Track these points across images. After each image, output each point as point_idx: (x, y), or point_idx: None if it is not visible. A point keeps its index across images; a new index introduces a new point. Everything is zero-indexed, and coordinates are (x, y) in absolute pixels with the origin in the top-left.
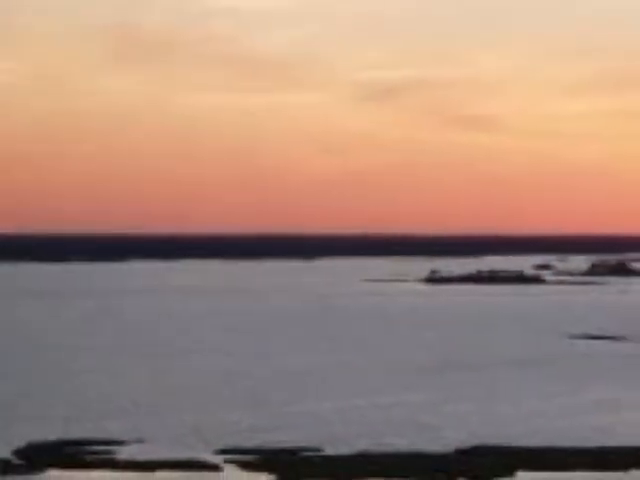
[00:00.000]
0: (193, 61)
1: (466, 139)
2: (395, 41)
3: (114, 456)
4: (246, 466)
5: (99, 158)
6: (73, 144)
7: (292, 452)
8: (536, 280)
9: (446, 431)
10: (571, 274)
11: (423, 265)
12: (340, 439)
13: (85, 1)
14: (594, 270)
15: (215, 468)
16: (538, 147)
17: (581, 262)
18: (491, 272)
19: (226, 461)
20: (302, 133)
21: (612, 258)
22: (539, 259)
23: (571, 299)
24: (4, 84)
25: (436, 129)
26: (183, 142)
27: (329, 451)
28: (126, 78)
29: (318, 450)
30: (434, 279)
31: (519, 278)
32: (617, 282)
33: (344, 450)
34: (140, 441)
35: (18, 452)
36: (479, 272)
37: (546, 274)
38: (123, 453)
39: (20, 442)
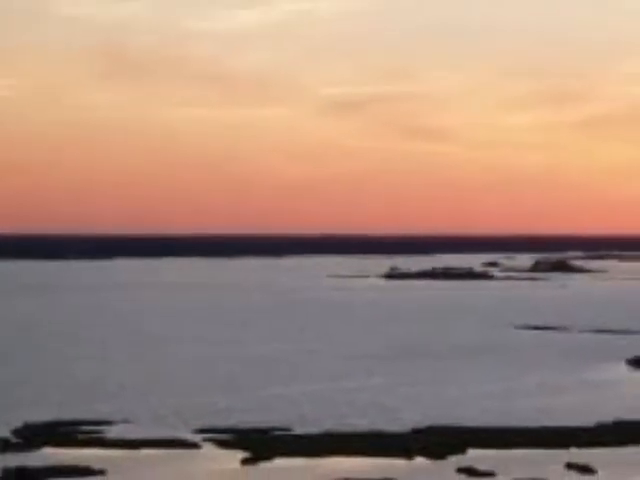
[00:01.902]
0: (174, 79)
1: (421, 148)
2: (358, 60)
3: (103, 435)
4: (222, 444)
5: (90, 165)
6: (67, 153)
7: (264, 431)
8: (485, 276)
9: (403, 412)
10: (516, 270)
11: (383, 262)
12: (307, 420)
13: (78, 24)
14: (537, 267)
15: (194, 446)
16: (486, 156)
17: (525, 260)
18: (444, 269)
19: (204, 439)
20: (273, 143)
21: (553, 256)
22: (487, 257)
23: (516, 293)
24: (5, 98)
25: (394, 139)
26: (166, 152)
27: (297, 430)
28: (114, 94)
29: (287, 429)
30: (393, 275)
31: (469, 274)
32: (558, 278)
33: (311, 430)
34: (126, 421)
35: (16, 432)
36: (434, 269)
37: (494, 271)
38: (111, 432)
39: (18, 423)
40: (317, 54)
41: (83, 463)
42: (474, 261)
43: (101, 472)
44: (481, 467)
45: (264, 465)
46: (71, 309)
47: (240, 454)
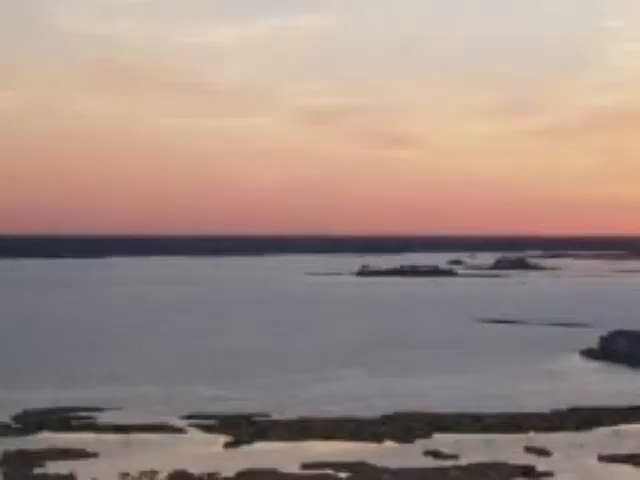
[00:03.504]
0: (159, 90)
1: (391, 155)
2: (330, 72)
3: (96, 420)
4: (207, 429)
5: (83, 169)
6: (62, 158)
7: (246, 417)
8: (450, 273)
9: (374, 400)
10: (479, 268)
11: (355, 261)
12: (285, 407)
13: (70, 41)
14: (498, 265)
15: (181, 430)
16: (452, 161)
17: (487, 258)
18: (412, 267)
19: (190, 425)
20: (251, 150)
21: (513, 255)
22: (452, 256)
23: (479, 289)
24: (5, 109)
25: (365, 146)
26: (152, 158)
27: (276, 417)
28: (104, 104)
29: (267, 415)
30: (364, 272)
31: (435, 271)
32: (517, 275)
33: (289, 416)
34: (117, 408)
35: (15, 417)
36: (402, 267)
37: (458, 268)
38: (103, 418)
39: (17, 409)
40: (292, 67)
41: (77, 447)
42: (439, 259)
43: (94, 455)
44: (446, 450)
45: (245, 448)
46: (64, 303)
47: (223, 438)
